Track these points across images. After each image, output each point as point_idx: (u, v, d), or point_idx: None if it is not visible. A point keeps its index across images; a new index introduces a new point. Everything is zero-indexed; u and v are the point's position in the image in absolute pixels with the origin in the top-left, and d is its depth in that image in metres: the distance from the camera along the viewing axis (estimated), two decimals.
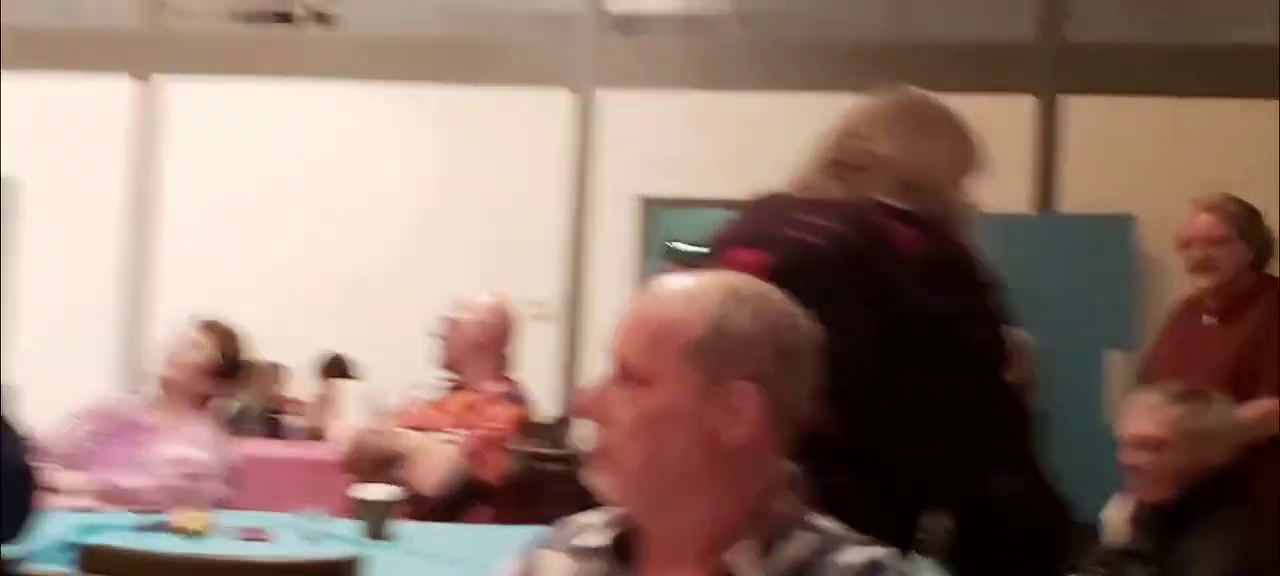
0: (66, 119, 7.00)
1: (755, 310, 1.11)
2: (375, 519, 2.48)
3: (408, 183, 6.84)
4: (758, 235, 1.40)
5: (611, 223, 6.70)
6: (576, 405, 1.18)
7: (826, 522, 1.10)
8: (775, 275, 1.34)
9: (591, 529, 1.16)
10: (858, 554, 1.06)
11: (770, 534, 1.07)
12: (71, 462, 2.93)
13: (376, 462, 3.14)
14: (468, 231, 6.67)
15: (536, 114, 6.75)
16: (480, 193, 6.75)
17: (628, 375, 1.10)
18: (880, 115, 1.58)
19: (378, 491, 2.54)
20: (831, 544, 1.07)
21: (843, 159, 1.51)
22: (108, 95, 7.00)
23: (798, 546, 1.07)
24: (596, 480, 1.11)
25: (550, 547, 1.19)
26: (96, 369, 6.66)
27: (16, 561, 2.04)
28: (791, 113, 6.11)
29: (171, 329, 3.18)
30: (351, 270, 6.71)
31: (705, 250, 1.48)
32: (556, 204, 6.72)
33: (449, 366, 3.36)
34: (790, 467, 1.12)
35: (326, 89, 6.96)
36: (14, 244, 7.05)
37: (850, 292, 1.36)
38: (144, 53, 7.09)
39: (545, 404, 4.56)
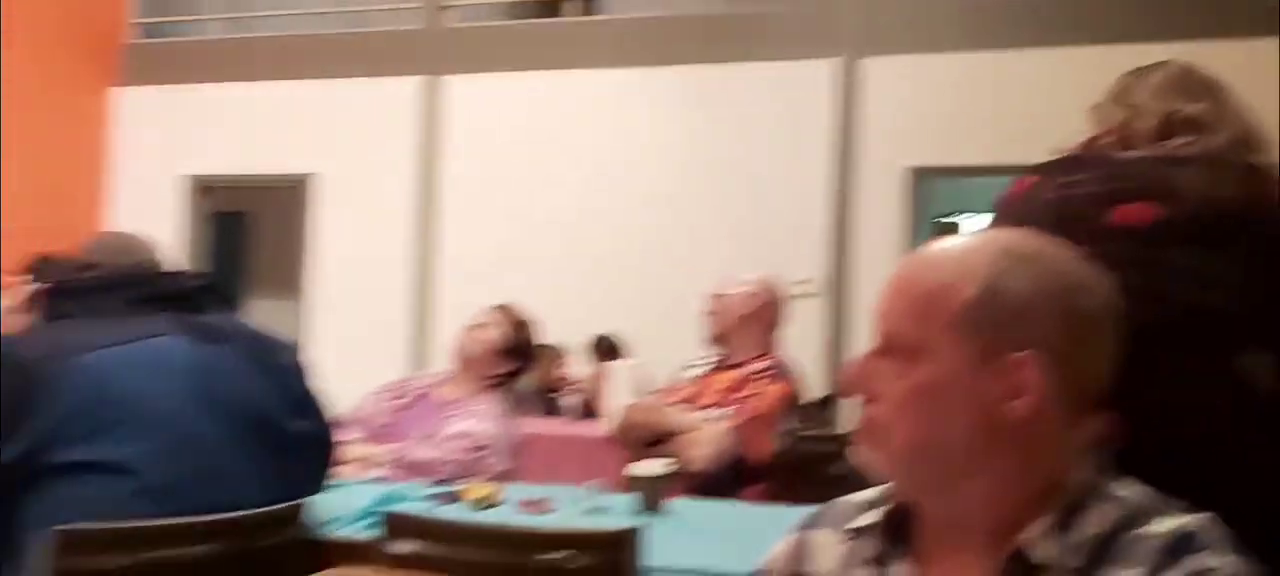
0: (358, 118, 7.57)
1: (1036, 272, 1.02)
2: (650, 493, 2.52)
3: (674, 163, 6.93)
4: (1140, 189, 1.32)
5: (878, 195, 6.53)
6: (842, 379, 1.14)
7: (1131, 491, 1.00)
8: (1170, 229, 1.27)
9: (863, 507, 1.11)
10: (1166, 524, 0.96)
11: (1067, 508, 0.99)
12: (370, 435, 3.16)
13: (645, 439, 3.21)
14: (733, 209, 6.68)
15: (800, 86, 6.67)
16: (745, 170, 6.74)
17: (894, 346, 1.03)
18: (1181, 80, 1.48)
19: (652, 466, 2.59)
20: (1136, 514, 0.97)
21: (1176, 120, 1.42)
22: (395, 94, 7.50)
23: (1098, 519, 0.98)
24: (865, 457, 1.06)
25: (821, 527, 1.15)
26: (389, 348, 7.17)
27: (324, 525, 2.23)
28: (1071, 70, 5.73)
29: (466, 312, 3.36)
30: (621, 251, 6.88)
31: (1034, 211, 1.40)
32: (822, 178, 6.62)
33: (716, 343, 3.38)
34: (1087, 436, 1.03)
35: (593, 76, 7.16)
36: (314, 234, 7.71)
37: (1245, 245, 1.28)
38: (428, 53, 7.54)
39: (812, 383, 4.50)
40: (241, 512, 1.96)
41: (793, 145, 6.67)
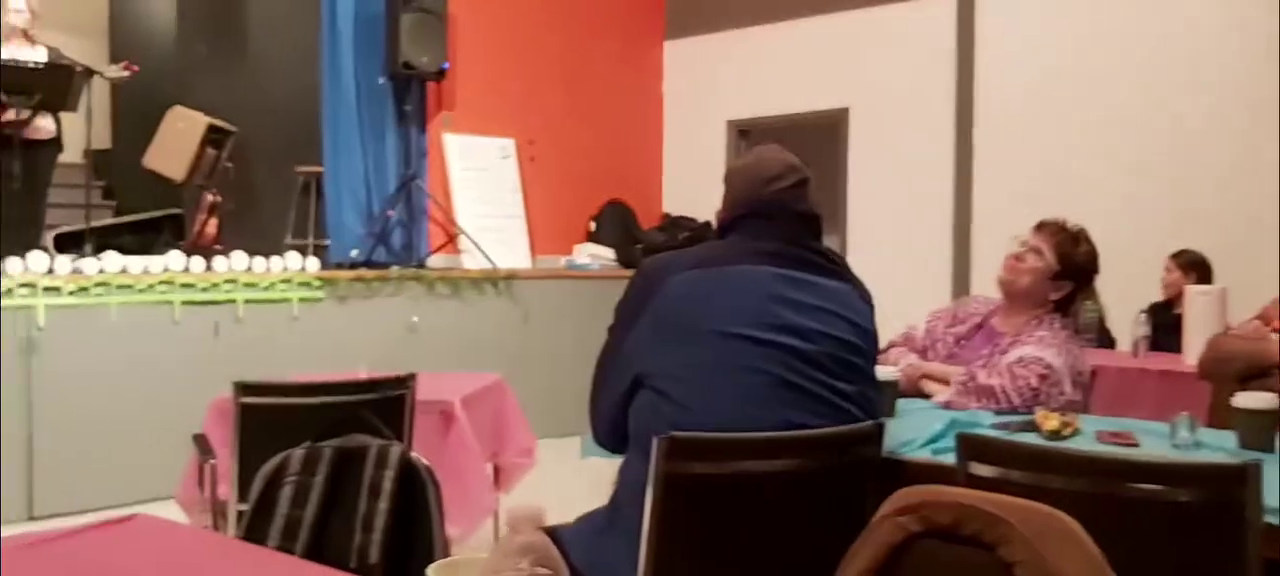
0: (893, 46, 7.50)
1: None
2: (1257, 429, 2.24)
3: (1251, 55, 6.09)
4: None
5: None
6: None
7: None
8: None
9: None
10: None
11: None
12: (931, 358, 3.12)
13: (1241, 372, 2.86)
14: None
15: None
16: None
17: None
18: None
19: (1259, 399, 2.29)
20: None
21: None
22: (929, 16, 7.34)
23: None
24: None
25: None
26: (930, 276, 7.09)
27: (899, 447, 2.24)
28: None
29: (1010, 235, 3.19)
30: (1186, 162, 6.23)
31: None
32: None
33: None
34: None
35: None
36: (851, 167, 7.80)
37: None
38: None
39: None
40: (826, 430, 2.02)
41: None
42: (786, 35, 8.07)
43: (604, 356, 2.20)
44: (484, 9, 7.57)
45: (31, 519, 4.95)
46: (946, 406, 2.75)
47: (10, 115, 5.63)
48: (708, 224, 8.25)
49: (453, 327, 6.63)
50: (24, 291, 5.04)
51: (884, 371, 2.58)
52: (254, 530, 1.96)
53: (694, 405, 2.01)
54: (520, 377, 4.67)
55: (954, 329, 3.13)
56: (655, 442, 1.91)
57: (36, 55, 5.84)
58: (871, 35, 7.60)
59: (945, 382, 2.87)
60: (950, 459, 2.02)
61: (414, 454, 2.08)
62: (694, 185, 8.54)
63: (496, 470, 4.10)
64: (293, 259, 6.04)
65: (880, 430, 2.10)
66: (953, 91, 7.25)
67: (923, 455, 2.24)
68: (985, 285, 3.37)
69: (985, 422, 2.50)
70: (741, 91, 8.35)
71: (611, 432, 2.18)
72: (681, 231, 8.26)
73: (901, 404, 2.73)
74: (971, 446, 1.94)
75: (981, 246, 6.98)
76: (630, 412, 2.11)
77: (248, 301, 5.75)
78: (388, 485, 1.97)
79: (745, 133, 8.50)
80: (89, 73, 5.85)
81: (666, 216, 8.70)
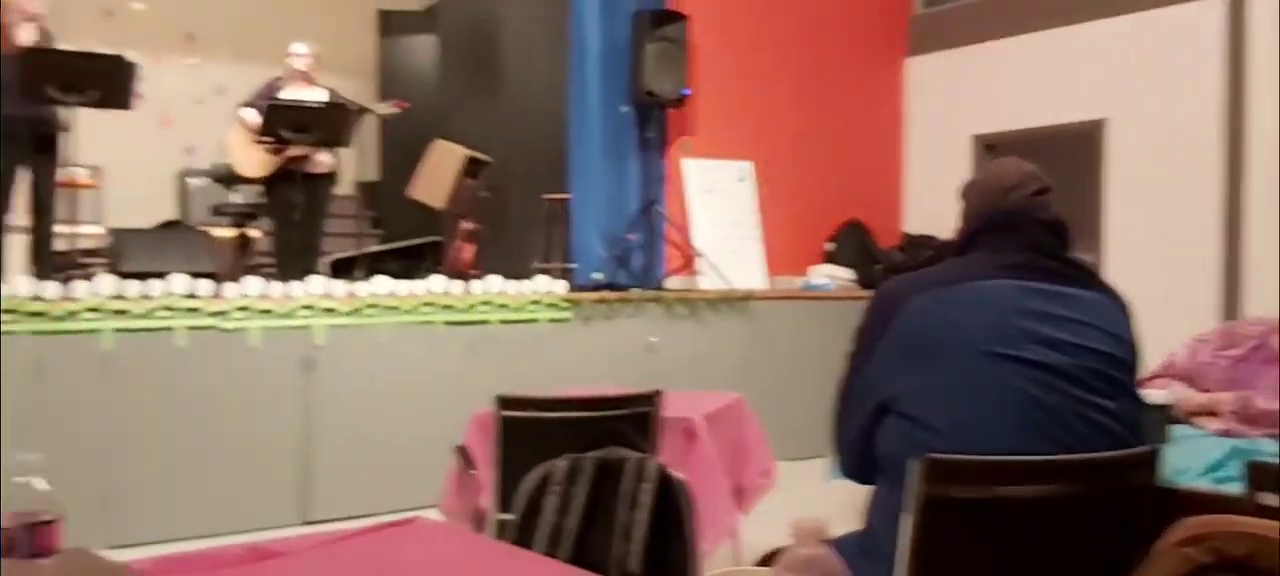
0: (1154, 52, 7.09)
1: None
2: None
3: None
4: None
5: None
6: None
7: None
8: None
9: None
10: None
11: None
12: (1199, 384, 2.93)
13: None
14: None
15: None
16: None
17: None
18: None
19: None
20: None
21: None
22: (1195, 21, 6.90)
23: None
24: None
25: None
26: (1195, 293, 6.62)
27: (1173, 476, 2.11)
28: None
29: None
30: None
31: None
32: None
33: None
34: None
35: None
36: (1109, 179, 7.40)
37: None
38: None
39: None
40: (1095, 455, 1.93)
41: None
42: (1038, 46, 7.76)
43: (845, 384, 2.16)
44: (724, 35, 7.67)
45: (305, 523, 5.37)
46: (1225, 434, 2.57)
47: (293, 151, 6.15)
48: (949, 242, 8.02)
49: (690, 348, 6.72)
50: (305, 312, 5.49)
51: (1155, 395, 2.45)
52: (520, 537, 2.06)
53: (943, 427, 1.96)
54: (756, 398, 4.68)
55: (1228, 352, 2.93)
56: (912, 466, 1.88)
57: (317, 95, 6.36)
58: (1131, 43, 7.20)
59: (1213, 414, 2.69)
60: (1233, 488, 1.89)
61: (669, 468, 2.13)
62: (936, 203, 8.31)
63: (736, 490, 4.11)
64: (542, 282, 6.30)
65: (1155, 456, 1.98)
66: (1221, 99, 6.76)
67: (1201, 484, 2.11)
68: (1259, 304, 3.13)
69: (1268, 450, 2.33)
70: (988, 105, 8.08)
71: (858, 461, 2.14)
72: (922, 251, 8.06)
73: (1174, 430, 2.58)
74: (1263, 475, 1.80)
75: (1253, 264, 6.46)
76: (877, 439, 2.08)
77: (502, 322, 6.05)
78: (646, 497, 2.03)
79: (992, 147, 8.21)
80: (363, 111, 6.31)
81: (906, 236, 8.52)
